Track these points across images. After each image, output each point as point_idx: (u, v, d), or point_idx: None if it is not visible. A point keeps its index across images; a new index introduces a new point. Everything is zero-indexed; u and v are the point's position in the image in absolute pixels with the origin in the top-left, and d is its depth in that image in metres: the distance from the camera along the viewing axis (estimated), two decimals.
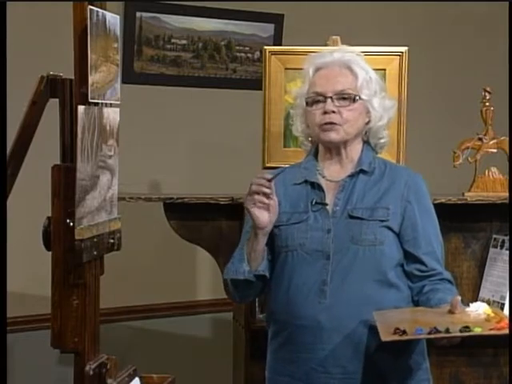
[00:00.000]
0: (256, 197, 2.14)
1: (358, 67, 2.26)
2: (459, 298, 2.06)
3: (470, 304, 2.08)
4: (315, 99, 2.24)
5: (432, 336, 1.93)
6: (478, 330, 1.91)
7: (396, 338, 1.93)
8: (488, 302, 3.00)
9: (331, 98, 2.21)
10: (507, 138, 3.05)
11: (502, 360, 3.06)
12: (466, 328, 1.91)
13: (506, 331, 1.91)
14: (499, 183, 3.06)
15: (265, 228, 2.18)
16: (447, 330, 1.91)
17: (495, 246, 3.07)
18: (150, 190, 3.73)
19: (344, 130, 2.22)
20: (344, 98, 2.22)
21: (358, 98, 2.23)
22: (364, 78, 2.25)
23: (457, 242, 3.09)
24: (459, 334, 1.92)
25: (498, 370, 3.10)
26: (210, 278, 3.75)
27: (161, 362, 3.62)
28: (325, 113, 2.21)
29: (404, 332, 1.92)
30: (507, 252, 3.00)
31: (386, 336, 1.93)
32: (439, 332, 1.91)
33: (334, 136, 2.22)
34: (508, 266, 2.94)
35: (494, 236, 3.08)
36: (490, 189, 3.05)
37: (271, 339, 2.30)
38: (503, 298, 2.98)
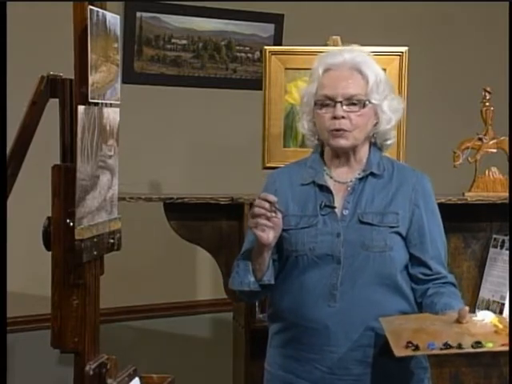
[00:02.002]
0: (259, 220, 2.12)
1: (369, 70, 2.22)
2: (467, 308, 2.05)
3: (477, 313, 2.07)
4: (324, 102, 2.20)
5: (444, 352, 1.93)
6: (489, 346, 1.91)
7: (409, 353, 1.94)
8: (488, 302, 3.01)
9: (341, 102, 2.18)
10: (507, 138, 3.05)
11: (501, 360, 3.06)
12: (478, 343, 1.91)
13: None
14: (499, 183, 3.06)
15: (269, 245, 2.17)
16: (459, 346, 1.91)
17: (495, 246, 3.07)
18: (150, 189, 3.73)
19: (353, 136, 2.20)
20: (354, 104, 2.19)
21: (367, 102, 2.20)
22: (374, 81, 2.21)
23: (457, 242, 3.09)
24: (471, 350, 1.92)
25: (497, 370, 3.10)
26: (210, 278, 3.75)
27: (161, 362, 3.62)
28: (334, 118, 2.18)
29: (417, 347, 1.92)
30: (507, 252, 3.00)
31: (399, 351, 1.93)
32: (451, 347, 1.91)
33: (343, 143, 2.20)
34: (508, 265, 2.94)
35: (494, 236, 3.08)
36: (490, 189, 3.06)
37: (274, 334, 2.31)
38: (503, 297, 2.98)
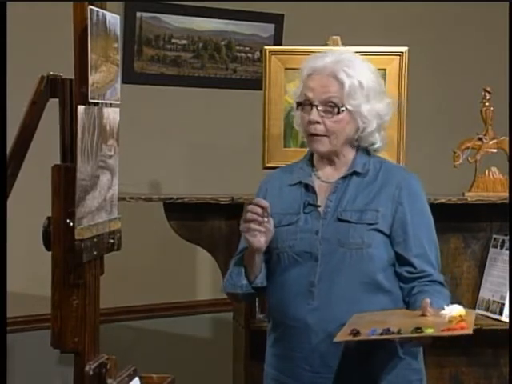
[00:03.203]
0: (251, 225, 2.14)
1: (345, 75, 2.20)
2: (428, 300, 2.04)
3: (445, 307, 2.07)
4: (304, 104, 2.23)
5: (383, 337, 1.94)
6: (429, 331, 1.91)
7: (348, 338, 1.94)
8: (488, 302, 3.01)
9: (317, 106, 2.20)
10: (507, 138, 3.05)
11: (502, 360, 3.06)
12: (418, 329, 1.91)
13: (457, 333, 1.91)
14: (499, 183, 3.06)
15: (260, 249, 2.19)
16: (399, 332, 1.92)
17: (495, 246, 3.07)
18: (150, 189, 3.73)
19: (330, 141, 2.22)
20: (329, 108, 2.20)
21: (343, 108, 2.20)
22: (351, 85, 2.19)
23: (457, 242, 3.09)
24: (409, 335, 1.93)
25: (497, 370, 3.10)
26: (210, 278, 3.75)
27: (161, 362, 3.62)
28: (309, 122, 2.21)
29: (358, 333, 1.92)
30: (507, 252, 3.00)
31: (339, 337, 1.94)
32: (392, 333, 1.92)
33: (320, 147, 2.23)
34: (508, 265, 2.94)
35: (494, 236, 3.08)
36: (490, 189, 3.05)
37: (269, 333, 2.34)
38: (503, 297, 2.98)
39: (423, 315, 2.02)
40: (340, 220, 2.20)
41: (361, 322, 2.03)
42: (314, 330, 2.17)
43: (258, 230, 2.15)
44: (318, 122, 2.20)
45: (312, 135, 2.23)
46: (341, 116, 2.21)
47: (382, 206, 2.21)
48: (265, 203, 2.14)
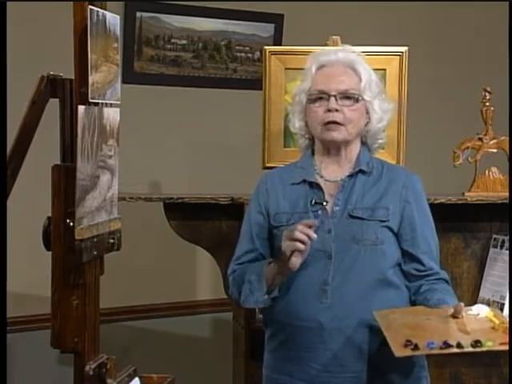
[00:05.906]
0: (298, 245, 2.08)
1: (362, 68, 2.27)
2: (462, 304, 2.06)
3: (471, 307, 2.07)
4: (318, 97, 2.24)
5: (444, 351, 1.94)
6: (489, 345, 1.92)
7: (409, 353, 1.93)
8: (488, 302, 3.01)
9: (335, 96, 2.21)
10: (507, 138, 3.05)
11: (502, 360, 3.06)
12: (478, 342, 1.91)
13: None
14: (499, 183, 3.06)
15: (294, 271, 2.16)
16: (459, 345, 1.91)
17: (495, 246, 3.07)
18: (150, 189, 3.73)
19: (347, 130, 2.23)
20: (347, 98, 2.23)
21: (360, 98, 2.24)
22: (367, 79, 2.26)
23: (457, 241, 3.09)
24: (472, 350, 1.93)
25: (498, 370, 3.10)
26: (210, 278, 3.75)
27: (161, 362, 3.62)
28: (328, 111, 2.21)
29: (416, 346, 1.92)
30: (507, 252, 3.00)
31: (399, 351, 1.92)
32: (451, 346, 1.91)
33: (336, 135, 2.23)
34: (508, 265, 2.94)
35: (494, 236, 3.08)
36: (490, 189, 3.05)
37: (269, 338, 2.32)
38: (503, 297, 2.98)
39: (454, 316, 2.03)
40: (352, 217, 2.20)
41: (397, 326, 2.01)
42: (326, 329, 2.16)
43: (303, 250, 2.10)
44: (337, 110, 2.21)
45: (329, 123, 2.22)
46: (359, 105, 2.24)
47: (390, 203, 2.23)
48: (312, 221, 2.12)
